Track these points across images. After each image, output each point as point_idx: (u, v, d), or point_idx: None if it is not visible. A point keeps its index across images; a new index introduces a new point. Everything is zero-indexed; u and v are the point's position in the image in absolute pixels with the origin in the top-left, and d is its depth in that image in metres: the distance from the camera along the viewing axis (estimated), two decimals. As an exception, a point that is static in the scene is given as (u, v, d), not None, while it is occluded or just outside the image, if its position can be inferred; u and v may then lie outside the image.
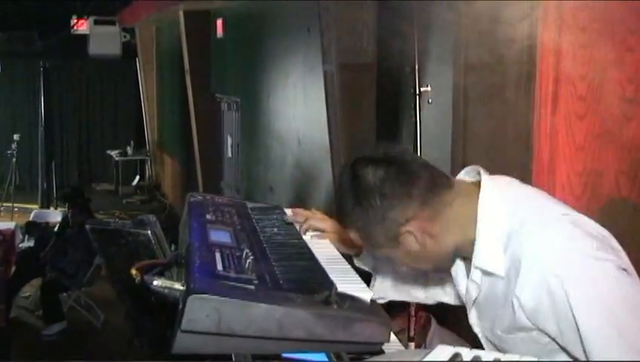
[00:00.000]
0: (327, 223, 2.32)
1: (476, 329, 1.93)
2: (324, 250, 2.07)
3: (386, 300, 2.35)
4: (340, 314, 1.52)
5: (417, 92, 3.01)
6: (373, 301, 1.63)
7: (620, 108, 3.35)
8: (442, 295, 2.26)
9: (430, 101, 3.05)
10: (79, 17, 13.75)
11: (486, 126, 3.70)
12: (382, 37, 5.46)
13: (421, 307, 3.52)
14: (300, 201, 7.27)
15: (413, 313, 3.35)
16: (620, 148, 3.19)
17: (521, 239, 1.69)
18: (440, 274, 2.08)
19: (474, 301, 1.87)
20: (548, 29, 3.23)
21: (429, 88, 3.03)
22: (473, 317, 1.91)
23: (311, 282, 1.65)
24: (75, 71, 16.54)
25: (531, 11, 3.30)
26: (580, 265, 1.62)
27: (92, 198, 10.72)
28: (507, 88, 3.59)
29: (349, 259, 2.12)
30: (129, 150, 15.87)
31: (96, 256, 7.41)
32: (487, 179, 1.83)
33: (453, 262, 1.91)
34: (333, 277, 1.71)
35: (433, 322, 3.85)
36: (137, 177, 16.03)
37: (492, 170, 3.37)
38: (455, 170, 3.93)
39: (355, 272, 1.84)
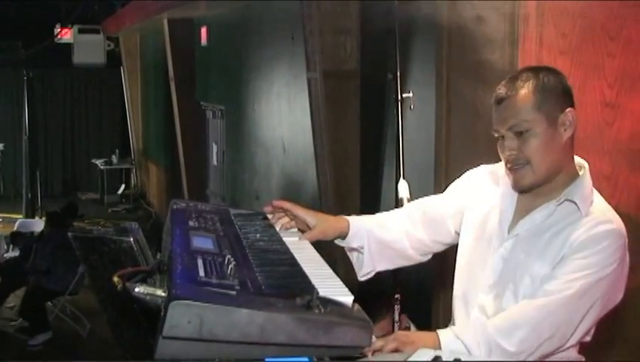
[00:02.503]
0: (308, 213, 2.45)
1: (497, 255, 2.23)
2: (306, 254, 2.07)
3: (376, 271, 2.52)
4: (321, 318, 1.53)
5: (399, 98, 3.02)
6: (354, 305, 1.64)
7: (601, 114, 3.38)
8: (440, 245, 2.52)
9: (412, 107, 3.07)
10: (63, 26, 13.73)
11: (469, 131, 3.71)
12: (365, 44, 5.48)
13: (402, 311, 3.55)
14: (286, 209, 7.26)
15: (397, 317, 3.38)
16: (600, 152, 3.22)
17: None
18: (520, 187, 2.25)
19: (517, 234, 2.21)
20: (529, 34, 3.25)
21: (410, 94, 3.05)
22: (508, 246, 2.23)
23: (293, 287, 1.66)
24: (60, 80, 16.51)
25: (512, 18, 3.32)
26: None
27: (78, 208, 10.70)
28: (489, 93, 3.62)
29: (331, 264, 2.12)
30: (114, 159, 15.84)
31: (81, 265, 7.38)
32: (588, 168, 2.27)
33: (542, 184, 2.19)
34: (315, 281, 1.72)
35: (412, 327, 3.87)
36: (122, 186, 16.00)
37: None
38: (439, 175, 3.98)
39: (336, 277, 1.85)
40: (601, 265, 2.07)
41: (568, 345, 2.12)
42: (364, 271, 2.50)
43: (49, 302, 8.37)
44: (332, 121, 5.58)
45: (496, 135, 2.22)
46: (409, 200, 2.74)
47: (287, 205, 2.44)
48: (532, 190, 2.23)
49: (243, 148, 8.91)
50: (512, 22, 3.33)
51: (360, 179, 5.64)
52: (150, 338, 1.63)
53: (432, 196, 2.59)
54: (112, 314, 2.09)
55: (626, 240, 2.13)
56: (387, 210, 5.22)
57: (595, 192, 2.23)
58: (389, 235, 2.48)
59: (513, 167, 2.20)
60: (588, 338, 2.22)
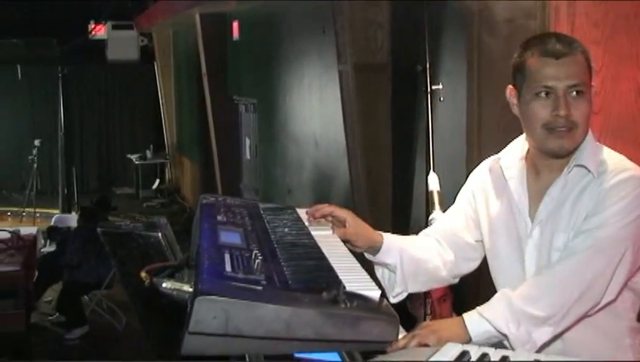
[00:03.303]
0: (349, 213, 2.40)
1: (530, 245, 2.18)
2: (334, 248, 2.06)
3: (407, 292, 2.45)
4: (347, 313, 1.52)
5: (429, 90, 2.99)
6: (381, 299, 1.63)
7: (636, 103, 3.33)
8: (467, 261, 2.45)
9: (442, 99, 3.04)
10: (97, 22, 13.82)
11: (501, 122, 3.68)
12: (395, 37, 5.46)
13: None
14: (318, 203, 7.26)
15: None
16: (634, 143, 3.17)
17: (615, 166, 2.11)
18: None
19: (541, 219, 2.17)
20: (560, 24, 3.21)
21: (440, 86, 3.02)
22: (536, 234, 2.18)
23: (319, 281, 1.65)
24: (94, 76, 16.64)
25: (543, 9, 3.28)
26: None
27: (113, 202, 10.77)
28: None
29: (359, 257, 2.11)
30: (148, 154, 15.93)
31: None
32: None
33: (575, 149, 2.15)
34: (341, 275, 1.71)
35: (454, 316, 3.85)
36: (157, 180, 16.08)
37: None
38: (471, 167, 3.94)
39: (364, 271, 1.83)
40: (624, 212, 2.02)
41: (605, 300, 2.04)
42: (396, 291, 2.43)
43: (85, 296, 8.44)
44: (363, 114, 5.56)
45: (543, 93, 2.11)
46: (439, 193, 2.72)
47: (326, 210, 2.40)
48: (567, 156, 2.17)
49: (275, 142, 8.91)
50: (543, 12, 3.28)
51: (392, 172, 5.62)
52: (178, 334, 1.63)
53: (446, 213, 2.54)
54: (140, 309, 2.10)
55: None
56: (419, 203, 5.24)
57: (603, 148, 2.20)
58: (424, 255, 2.41)
59: (558, 129, 2.11)
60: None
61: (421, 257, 2.40)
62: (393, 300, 2.44)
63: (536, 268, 2.17)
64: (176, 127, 15.69)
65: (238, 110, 10.69)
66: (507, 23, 3.58)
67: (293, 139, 8.20)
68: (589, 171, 2.11)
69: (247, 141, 10.49)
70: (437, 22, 4.27)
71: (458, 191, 2.50)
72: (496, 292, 2.16)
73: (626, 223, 2.02)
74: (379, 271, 2.45)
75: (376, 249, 2.39)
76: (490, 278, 2.44)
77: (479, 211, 2.36)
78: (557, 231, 2.13)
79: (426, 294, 3.05)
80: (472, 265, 2.46)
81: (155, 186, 15.98)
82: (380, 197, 5.62)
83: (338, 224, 2.36)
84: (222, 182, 10.80)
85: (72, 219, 11.18)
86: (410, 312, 3.27)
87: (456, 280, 2.51)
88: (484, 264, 2.43)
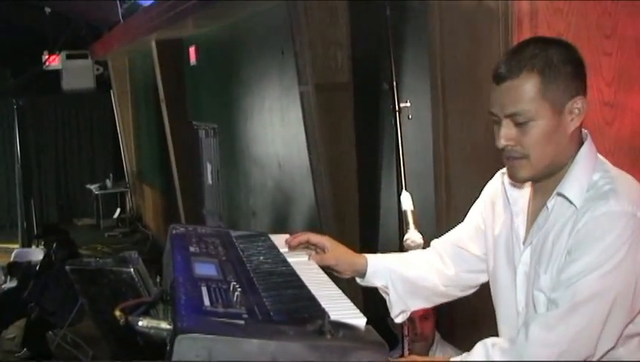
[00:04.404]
0: (326, 238, 2.33)
1: (520, 273, 2.03)
2: (312, 275, 2.01)
3: (410, 311, 2.37)
4: (334, 344, 1.47)
5: (397, 108, 2.96)
6: (367, 327, 1.58)
7: (600, 113, 3.34)
8: (473, 273, 2.32)
9: (410, 117, 3.01)
10: (51, 53, 13.68)
11: (467, 138, 3.67)
12: (356, 55, 5.45)
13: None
14: (284, 224, 7.22)
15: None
16: (602, 152, 3.17)
17: (602, 191, 1.88)
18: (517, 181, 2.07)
19: (531, 242, 2.00)
20: (523, 35, 3.21)
21: (408, 104, 2.99)
22: (526, 255, 2.02)
23: (302, 312, 1.59)
24: (50, 106, 16.43)
25: (505, 20, 3.28)
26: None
27: (74, 233, 10.61)
28: (485, 97, 3.57)
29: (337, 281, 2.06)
30: (108, 183, 15.76)
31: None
32: (591, 140, 2.01)
33: (542, 177, 1.99)
34: (324, 304, 1.66)
35: (437, 335, 3.82)
36: (118, 210, 15.91)
37: (475, 182, 3.33)
38: (439, 184, 3.92)
39: (346, 297, 1.78)
40: (604, 257, 1.79)
41: (599, 353, 1.85)
42: (396, 312, 2.34)
43: (50, 332, 8.30)
44: (326, 134, 5.54)
45: (493, 117, 1.96)
46: (413, 213, 2.68)
47: (302, 238, 2.32)
48: (530, 181, 2.02)
49: (237, 166, 8.86)
50: (506, 23, 3.28)
51: (358, 191, 5.59)
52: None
53: (458, 226, 2.39)
54: (115, 347, 2.03)
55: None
56: (387, 221, 5.21)
57: (600, 165, 1.95)
58: (415, 272, 2.32)
59: (509, 158, 1.96)
60: None
61: (414, 275, 2.32)
62: (397, 320, 2.38)
63: (526, 300, 2.02)
64: (136, 154, 15.55)
65: (199, 135, 10.61)
66: (470, 38, 3.57)
67: (255, 162, 8.15)
68: (571, 202, 1.91)
69: (209, 166, 10.42)
70: (397, 39, 4.26)
71: (426, 209, 2.45)
72: (492, 315, 2.12)
73: (607, 271, 1.80)
74: (381, 292, 2.37)
75: (361, 273, 2.32)
76: (474, 298, 2.39)
77: (487, 224, 2.23)
78: (540, 268, 1.96)
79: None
80: (480, 277, 2.32)
81: (116, 216, 15.80)
82: (347, 217, 5.59)
83: (317, 250, 2.30)
84: (184, 208, 10.72)
85: (33, 253, 10.99)
86: (392, 329, 3.23)
87: (468, 293, 2.38)
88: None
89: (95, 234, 14.62)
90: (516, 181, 2.04)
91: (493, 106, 1.94)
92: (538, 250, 1.98)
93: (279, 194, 7.48)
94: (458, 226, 2.38)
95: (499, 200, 2.19)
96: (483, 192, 2.31)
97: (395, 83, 2.97)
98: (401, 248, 2.77)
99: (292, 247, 2.31)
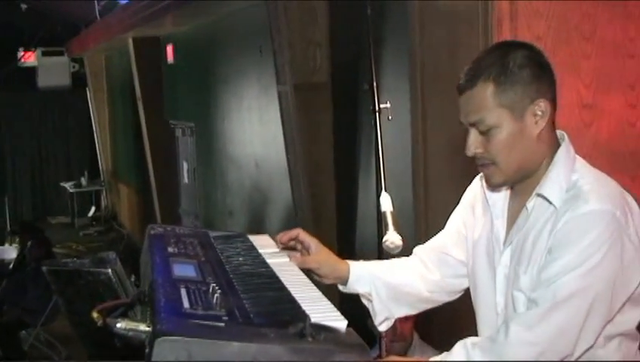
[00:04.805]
0: (314, 241, 2.32)
1: (500, 275, 2.04)
2: (293, 276, 1.99)
3: (394, 318, 2.35)
4: (316, 347, 1.45)
5: (377, 109, 2.95)
6: (349, 330, 1.57)
7: (579, 115, 3.35)
8: (458, 278, 2.31)
9: (390, 118, 3.00)
10: (26, 49, 13.56)
11: (446, 139, 3.67)
12: (335, 56, 5.44)
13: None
14: (261, 225, 7.20)
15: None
16: (580, 154, 3.18)
17: (582, 191, 1.88)
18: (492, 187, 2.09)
19: (511, 242, 2.01)
20: (503, 37, 3.21)
21: (388, 105, 2.98)
22: (506, 256, 2.03)
23: (283, 314, 1.58)
24: (25, 103, 16.27)
25: (485, 22, 3.28)
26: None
27: (48, 232, 10.51)
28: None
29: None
30: (83, 181, 15.64)
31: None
32: (568, 141, 2.03)
33: (515, 181, 2.02)
34: (304, 306, 1.64)
35: (415, 335, 3.81)
36: (93, 208, 15.80)
37: (454, 183, 3.33)
38: (417, 185, 3.92)
39: (326, 299, 1.77)
40: (584, 256, 1.80)
41: (578, 352, 1.85)
42: (379, 319, 2.33)
43: (23, 331, 8.23)
44: (304, 133, 5.52)
45: (462, 125, 2.00)
46: (393, 214, 2.67)
47: (293, 233, 2.31)
48: (505, 186, 2.05)
49: (214, 165, 8.82)
50: (486, 25, 3.28)
51: (335, 192, 5.58)
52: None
53: (440, 233, 2.39)
54: (91, 349, 2.00)
55: (619, 212, 1.84)
56: (364, 222, 5.21)
57: (578, 166, 1.97)
58: (398, 279, 2.31)
59: (480, 165, 2.00)
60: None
61: (397, 281, 2.30)
62: (380, 328, 2.36)
63: (505, 302, 2.03)
64: (111, 152, 15.46)
65: (175, 134, 10.56)
66: (450, 39, 3.57)
67: (232, 162, 8.12)
68: (551, 203, 1.93)
69: (185, 165, 10.37)
70: (377, 39, 4.25)
71: (404, 210, 2.44)
72: (470, 316, 2.11)
73: (587, 270, 1.81)
74: (363, 300, 2.35)
75: (344, 279, 2.30)
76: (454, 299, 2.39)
77: (467, 228, 2.23)
78: (520, 268, 1.97)
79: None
80: (465, 282, 2.29)
81: (91, 214, 15.69)
82: (325, 218, 5.58)
83: (302, 251, 2.28)
84: (160, 207, 10.66)
85: (6, 251, 10.88)
86: (371, 330, 3.22)
87: (453, 298, 2.37)
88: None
89: (70, 233, 14.51)
90: (491, 187, 2.07)
91: (460, 115, 1.99)
92: (518, 250, 1.99)
93: (256, 194, 7.46)
94: (440, 233, 2.37)
95: (478, 203, 2.20)
96: (463, 197, 2.32)
97: (375, 83, 2.96)
98: (380, 250, 2.75)
99: (283, 243, 2.31)
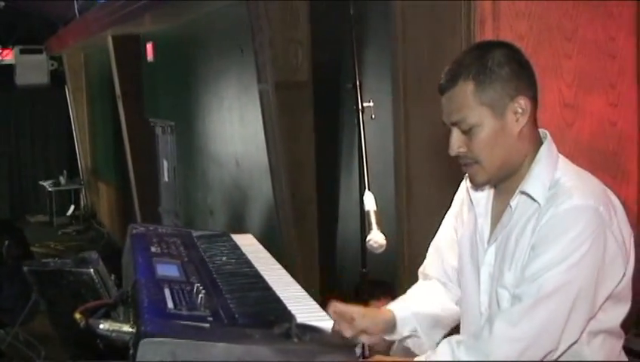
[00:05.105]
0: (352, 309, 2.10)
1: (484, 274, 2.04)
2: (277, 276, 1.98)
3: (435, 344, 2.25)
4: (302, 347, 1.44)
5: (360, 108, 2.94)
6: (334, 329, 1.56)
7: (561, 115, 3.36)
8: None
9: (373, 117, 2.99)
10: (4, 47, 13.46)
11: (428, 138, 3.67)
12: (316, 54, 5.42)
13: None
14: (242, 224, 7.18)
15: None
16: (561, 153, 3.19)
17: (565, 187, 1.89)
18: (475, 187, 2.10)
19: (495, 239, 2.01)
20: (485, 37, 3.21)
21: (371, 104, 2.97)
22: (490, 255, 2.03)
23: (268, 314, 1.57)
24: (2, 102, 16.12)
25: (468, 21, 3.28)
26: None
27: (27, 231, 10.43)
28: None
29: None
30: (62, 179, 15.51)
31: (35, 290, 7.19)
32: (550, 139, 2.04)
33: (499, 180, 2.02)
34: (290, 306, 1.63)
35: None
36: (72, 207, 15.69)
37: (435, 180, 3.33)
38: (399, 185, 3.91)
39: (312, 299, 1.76)
40: (566, 251, 1.82)
41: (562, 347, 1.86)
42: (425, 349, 2.18)
43: (1, 330, 8.15)
44: (286, 133, 5.51)
45: (445, 126, 2.02)
46: (376, 213, 2.66)
47: (331, 310, 2.00)
48: (489, 185, 2.06)
49: (195, 164, 8.79)
50: (468, 24, 3.28)
51: (316, 190, 5.57)
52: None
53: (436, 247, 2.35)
54: (73, 349, 1.98)
55: (602, 208, 1.86)
56: (346, 222, 5.20)
57: (561, 164, 1.98)
58: (435, 308, 2.27)
59: (463, 165, 2.02)
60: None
61: (435, 310, 2.27)
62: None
63: (489, 301, 2.03)
64: (91, 151, 15.36)
65: (155, 132, 10.50)
66: (432, 39, 3.57)
67: (213, 160, 8.09)
68: (534, 200, 1.94)
69: (165, 163, 10.32)
70: (359, 38, 4.25)
71: (386, 209, 2.43)
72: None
73: (571, 264, 1.82)
74: (408, 340, 2.27)
75: (391, 327, 2.21)
76: None
77: (458, 231, 2.22)
78: (504, 265, 1.97)
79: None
80: None
81: (69, 213, 15.58)
82: (306, 217, 5.56)
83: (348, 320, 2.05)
84: (140, 206, 10.60)
85: (-16, 251, 10.79)
86: None
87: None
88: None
89: (48, 232, 14.39)
90: (475, 186, 2.09)
91: (442, 115, 2.01)
92: (502, 248, 2.00)
93: (237, 193, 7.44)
94: (437, 247, 2.34)
95: (465, 204, 2.21)
96: (453, 203, 2.31)
97: (358, 82, 2.95)
98: (363, 249, 2.74)
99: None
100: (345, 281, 4.90)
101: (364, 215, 2.72)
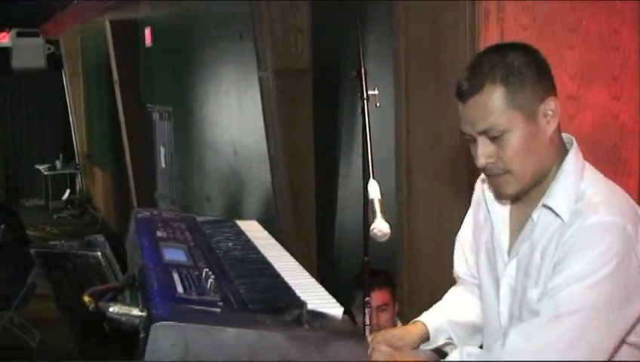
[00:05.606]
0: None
1: (505, 286, 1.96)
2: (285, 262, 1.98)
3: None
4: (314, 334, 1.44)
5: (365, 96, 2.93)
6: (344, 317, 1.56)
7: (563, 106, 3.36)
8: None
9: (378, 105, 2.97)
10: (0, 30, 13.40)
11: (430, 128, 3.67)
12: (317, 42, 5.42)
13: None
14: (239, 211, 7.18)
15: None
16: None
17: (591, 201, 1.79)
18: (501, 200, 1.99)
19: (517, 253, 1.91)
20: (489, 29, 3.21)
21: (376, 92, 2.95)
22: (511, 268, 1.94)
23: (277, 300, 1.56)
24: (-1, 85, 16.11)
25: (472, 13, 3.28)
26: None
27: (22, 214, 10.42)
28: (450, 88, 3.58)
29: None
30: (58, 164, 15.50)
31: (30, 274, 7.20)
32: (577, 147, 1.92)
33: (528, 189, 1.89)
34: (299, 292, 1.63)
35: (399, 324, 3.81)
36: (67, 191, 15.67)
37: (436, 170, 3.33)
38: (400, 174, 3.91)
39: (321, 286, 1.76)
40: (590, 268, 1.70)
41: None
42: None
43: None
44: (285, 120, 5.50)
45: (465, 137, 1.87)
46: (380, 201, 2.66)
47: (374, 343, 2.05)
48: (519, 197, 1.91)
49: (192, 150, 8.77)
50: (472, 15, 3.28)
51: (315, 179, 5.57)
52: (122, 359, 1.53)
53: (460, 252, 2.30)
54: (79, 333, 1.98)
55: (630, 226, 1.74)
56: (344, 210, 5.20)
57: (588, 173, 1.86)
58: (469, 316, 2.24)
59: (491, 175, 1.88)
60: None
61: (469, 319, 2.24)
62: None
63: (509, 314, 1.96)
64: (87, 135, 15.34)
65: (152, 118, 10.48)
66: (436, 29, 3.57)
67: (211, 147, 8.07)
68: (557, 215, 1.82)
69: (162, 149, 10.30)
70: (362, 26, 4.24)
71: (386, 198, 2.42)
72: None
73: (592, 283, 1.71)
74: (445, 348, 2.25)
75: (426, 337, 2.21)
76: (437, 293, 2.36)
77: (475, 231, 2.14)
78: (529, 282, 1.87)
79: (365, 303, 2.98)
80: None
81: (65, 197, 15.57)
82: (304, 205, 5.56)
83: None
84: (136, 191, 10.59)
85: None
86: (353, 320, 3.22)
87: None
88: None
89: (43, 216, 14.39)
90: (504, 198, 1.96)
91: (463, 126, 1.86)
92: (525, 262, 1.90)
93: (235, 181, 7.43)
94: (461, 245, 2.29)
95: (480, 210, 2.12)
96: (473, 198, 2.22)
97: (363, 70, 2.93)
98: (366, 237, 2.73)
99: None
100: (343, 270, 4.90)
101: (367, 203, 2.72)
